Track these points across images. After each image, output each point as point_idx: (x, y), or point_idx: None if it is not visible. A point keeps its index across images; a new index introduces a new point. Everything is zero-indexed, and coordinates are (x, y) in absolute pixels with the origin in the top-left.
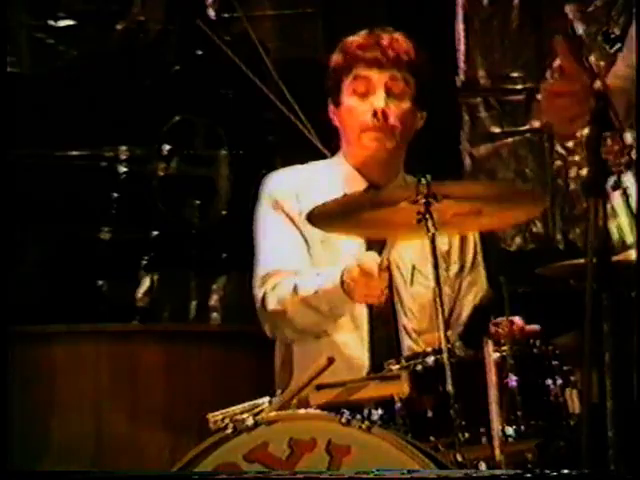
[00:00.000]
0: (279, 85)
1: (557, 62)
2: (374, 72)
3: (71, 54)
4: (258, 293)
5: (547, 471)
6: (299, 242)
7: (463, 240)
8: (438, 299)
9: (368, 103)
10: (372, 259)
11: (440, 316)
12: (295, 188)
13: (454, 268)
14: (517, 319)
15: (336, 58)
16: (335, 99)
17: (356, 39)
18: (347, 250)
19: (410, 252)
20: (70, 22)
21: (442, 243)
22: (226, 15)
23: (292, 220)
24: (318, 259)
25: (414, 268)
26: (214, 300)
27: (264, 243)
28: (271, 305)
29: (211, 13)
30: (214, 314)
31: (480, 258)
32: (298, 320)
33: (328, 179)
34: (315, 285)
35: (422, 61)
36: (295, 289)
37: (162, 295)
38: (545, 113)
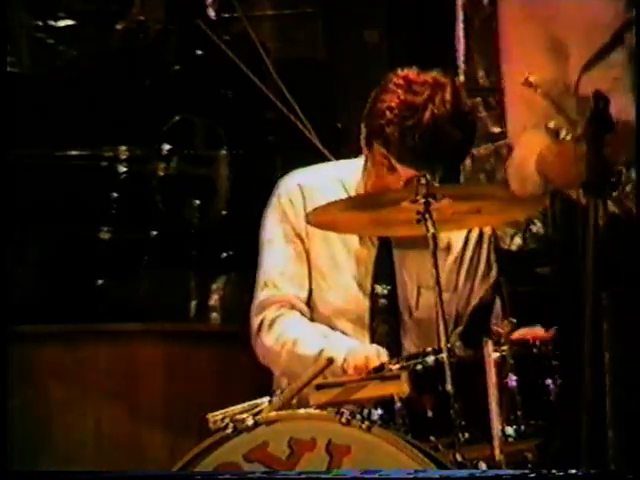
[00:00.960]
0: (279, 85)
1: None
2: (404, 168)
3: (71, 54)
4: (255, 320)
5: (553, 471)
6: (301, 262)
7: (475, 253)
8: (438, 299)
9: (390, 182)
10: (381, 358)
11: (440, 315)
12: (305, 200)
13: (462, 280)
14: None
15: (372, 116)
16: (367, 139)
17: (395, 113)
18: (352, 272)
19: (414, 274)
20: (70, 22)
21: (452, 255)
22: (226, 15)
23: (298, 236)
24: (321, 282)
25: (419, 291)
26: (214, 300)
27: (266, 258)
28: (267, 342)
29: (211, 13)
30: (214, 314)
31: (494, 273)
32: (290, 368)
33: (340, 191)
34: (316, 348)
35: (462, 144)
36: (295, 343)
37: (162, 295)
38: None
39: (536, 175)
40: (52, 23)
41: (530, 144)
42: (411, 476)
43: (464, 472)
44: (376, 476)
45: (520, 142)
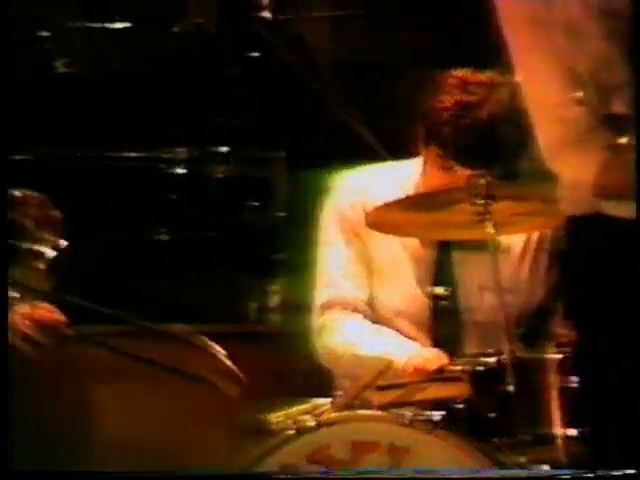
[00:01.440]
0: (335, 87)
1: None
2: (461, 168)
3: (127, 56)
4: (316, 321)
5: (611, 472)
6: (362, 264)
7: (536, 255)
8: (499, 301)
9: (448, 182)
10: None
11: (501, 317)
12: (363, 199)
13: (522, 282)
14: None
15: (428, 117)
16: (424, 140)
17: (450, 112)
18: (411, 273)
19: (474, 275)
20: (126, 24)
21: (512, 256)
22: (281, 17)
23: (358, 237)
24: (381, 283)
25: (480, 292)
26: (272, 301)
27: (327, 259)
28: (328, 343)
29: (266, 15)
30: (273, 315)
31: (555, 274)
32: (351, 370)
33: (397, 192)
34: (377, 350)
35: (519, 144)
36: (356, 345)
37: (220, 296)
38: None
39: (590, 196)
40: (109, 25)
41: (580, 165)
42: (471, 475)
43: (523, 472)
44: (434, 475)
45: (565, 163)
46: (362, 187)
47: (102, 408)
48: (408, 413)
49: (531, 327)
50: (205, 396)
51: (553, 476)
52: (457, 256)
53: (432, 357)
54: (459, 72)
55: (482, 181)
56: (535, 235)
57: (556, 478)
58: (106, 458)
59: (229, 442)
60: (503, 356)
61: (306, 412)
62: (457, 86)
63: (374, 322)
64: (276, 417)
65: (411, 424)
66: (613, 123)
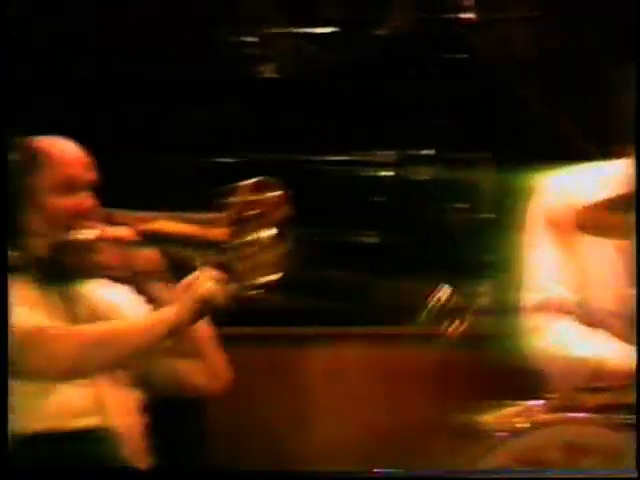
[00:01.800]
0: (539, 86)
1: None
2: None
3: (332, 60)
4: (527, 322)
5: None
6: (571, 264)
7: None
8: None
9: None
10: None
11: None
12: (570, 200)
13: None
14: None
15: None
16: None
17: None
18: (621, 272)
19: None
20: (330, 29)
21: None
22: (483, 17)
23: (566, 237)
24: (590, 283)
25: None
26: (480, 304)
27: (535, 261)
28: (539, 345)
29: (468, 16)
30: (482, 316)
31: None
32: (561, 371)
33: (605, 192)
34: (588, 352)
35: None
36: (566, 347)
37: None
38: None
39: None
40: (313, 30)
41: None
42: None
43: None
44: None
45: None
46: (569, 187)
47: (316, 409)
48: (622, 416)
49: None
50: (418, 398)
51: None
52: None
53: None
54: None
55: None
56: None
57: None
58: (320, 459)
59: (444, 444)
60: None
61: (518, 414)
62: None
63: (586, 324)
64: (489, 419)
65: (624, 428)
66: None
